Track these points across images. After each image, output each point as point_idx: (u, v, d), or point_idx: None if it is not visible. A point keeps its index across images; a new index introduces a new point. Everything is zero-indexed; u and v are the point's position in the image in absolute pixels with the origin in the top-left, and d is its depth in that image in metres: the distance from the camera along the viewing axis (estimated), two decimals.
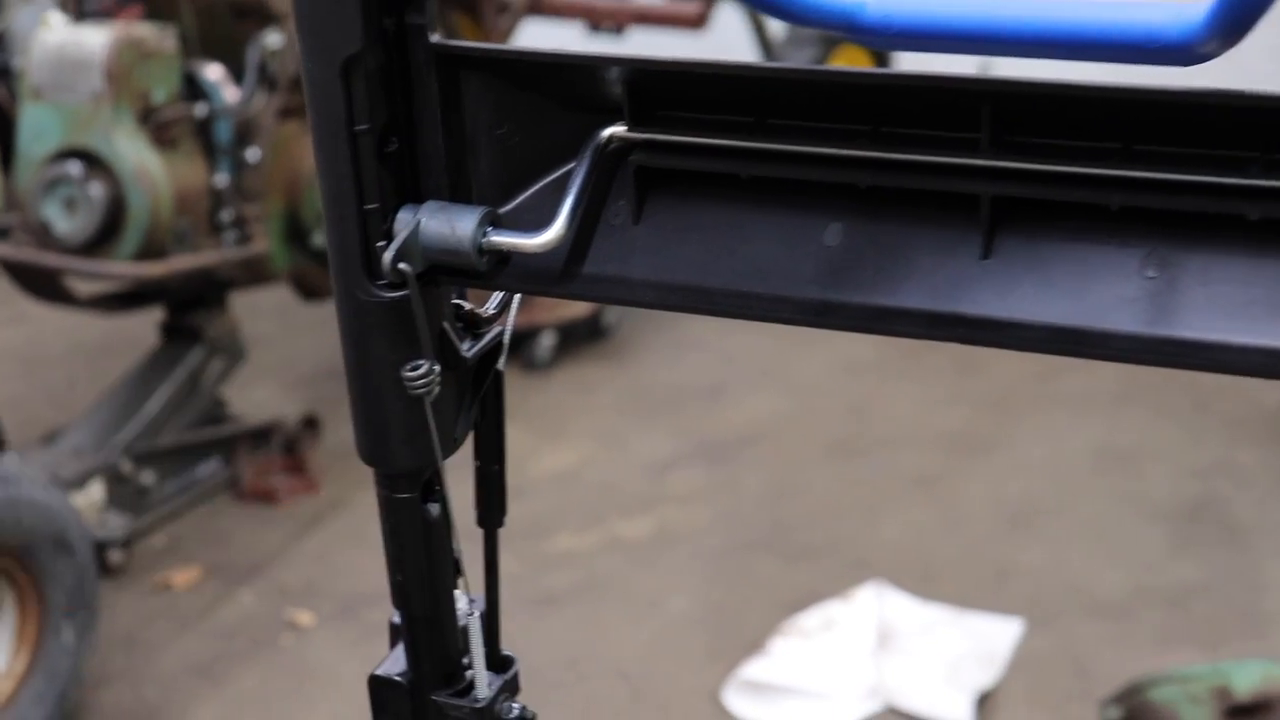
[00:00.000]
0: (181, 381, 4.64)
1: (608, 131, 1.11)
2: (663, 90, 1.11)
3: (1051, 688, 3.90)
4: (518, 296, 1.22)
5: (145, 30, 4.37)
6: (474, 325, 1.20)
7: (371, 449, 1.18)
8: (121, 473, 4.42)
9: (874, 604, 4.17)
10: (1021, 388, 5.28)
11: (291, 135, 4.62)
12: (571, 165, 1.12)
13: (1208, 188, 1.01)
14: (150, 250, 4.34)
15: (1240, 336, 1.01)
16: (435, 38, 1.10)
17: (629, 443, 4.94)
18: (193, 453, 4.66)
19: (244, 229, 4.54)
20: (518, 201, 1.15)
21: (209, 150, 4.50)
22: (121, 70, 4.28)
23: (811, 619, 4.12)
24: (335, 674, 4.00)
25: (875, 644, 4.03)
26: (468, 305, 1.19)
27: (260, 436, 4.76)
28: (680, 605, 4.21)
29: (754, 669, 3.96)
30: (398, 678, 1.28)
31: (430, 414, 1.14)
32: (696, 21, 6.22)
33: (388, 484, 1.20)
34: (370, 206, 1.09)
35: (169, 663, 4.05)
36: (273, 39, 4.55)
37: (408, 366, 1.11)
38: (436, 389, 1.13)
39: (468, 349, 1.18)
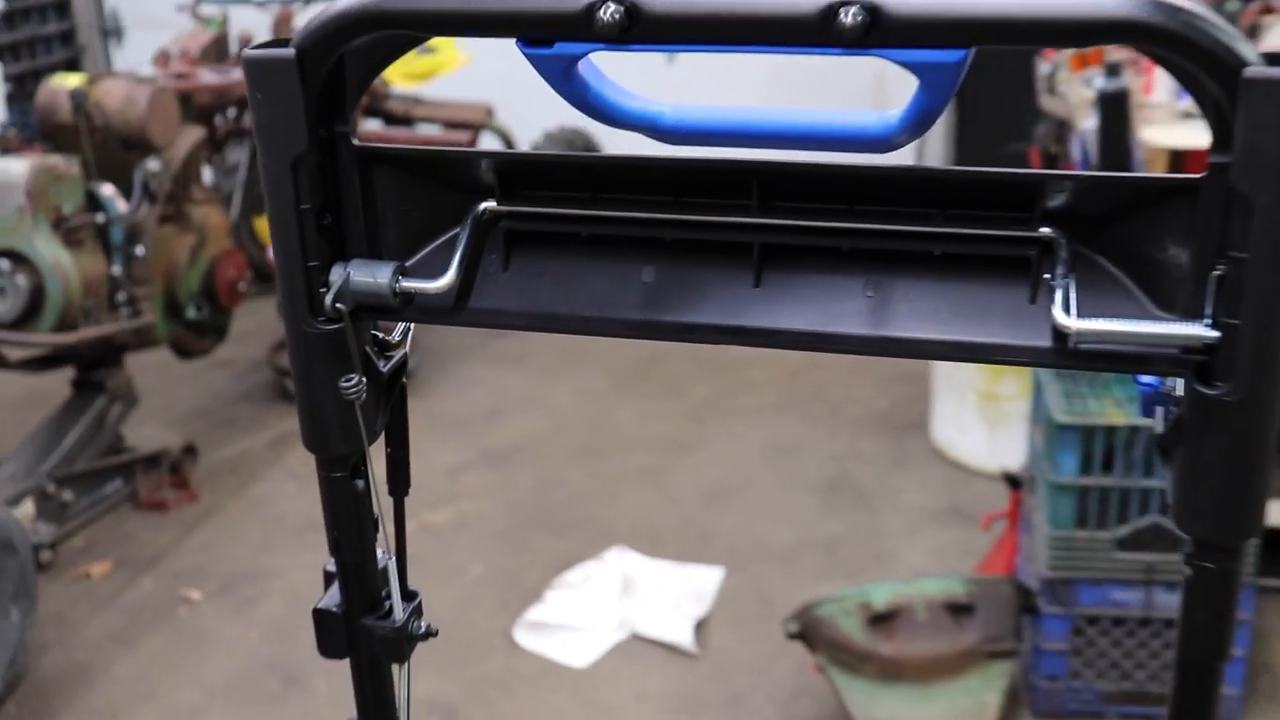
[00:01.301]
0: (90, 422, 4.51)
1: (483, 205, 1.12)
2: (522, 175, 1.12)
3: (746, 613, 3.95)
4: (414, 326, 1.22)
5: (55, 160, 4.27)
6: (385, 349, 1.19)
7: (314, 440, 1.17)
8: (47, 492, 4.28)
9: (618, 562, 4.18)
10: (711, 404, 5.33)
11: (168, 236, 4.56)
12: (457, 230, 1.12)
13: (906, 234, 1.05)
14: (64, 324, 4.23)
15: (931, 334, 1.05)
16: (355, 141, 1.10)
17: (430, 454, 4.91)
18: (100, 475, 4.51)
19: (135, 306, 4.45)
20: (418, 257, 1.14)
21: (106, 248, 4.39)
22: (39, 190, 4.16)
23: (574, 575, 4.13)
24: (221, 635, 3.91)
25: (620, 590, 4.04)
26: (380, 334, 1.19)
27: (152, 461, 4.64)
28: (477, 570, 4.18)
29: (534, 613, 3.95)
30: (335, 609, 1.25)
31: (359, 413, 1.13)
32: (482, 124, 6.19)
33: (326, 466, 1.18)
34: (312, 263, 1.08)
35: (91, 633, 3.93)
36: (153, 164, 4.45)
37: (342, 379, 1.11)
38: (363, 395, 1.12)
39: (383, 366, 1.18)
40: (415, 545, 4.63)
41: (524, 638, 3.86)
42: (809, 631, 3.32)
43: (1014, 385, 4.51)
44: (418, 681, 3.91)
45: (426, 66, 5.91)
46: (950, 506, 4.50)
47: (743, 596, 4.03)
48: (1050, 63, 4.85)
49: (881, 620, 3.30)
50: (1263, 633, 3.68)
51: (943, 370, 4.79)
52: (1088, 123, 4.06)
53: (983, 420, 4.66)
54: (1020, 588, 3.37)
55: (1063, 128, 4.85)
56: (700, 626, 3.87)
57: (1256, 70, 0.85)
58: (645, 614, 3.93)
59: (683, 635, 3.82)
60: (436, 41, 5.88)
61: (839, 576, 4.01)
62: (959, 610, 3.32)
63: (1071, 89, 4.57)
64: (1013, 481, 3.82)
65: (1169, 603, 3.33)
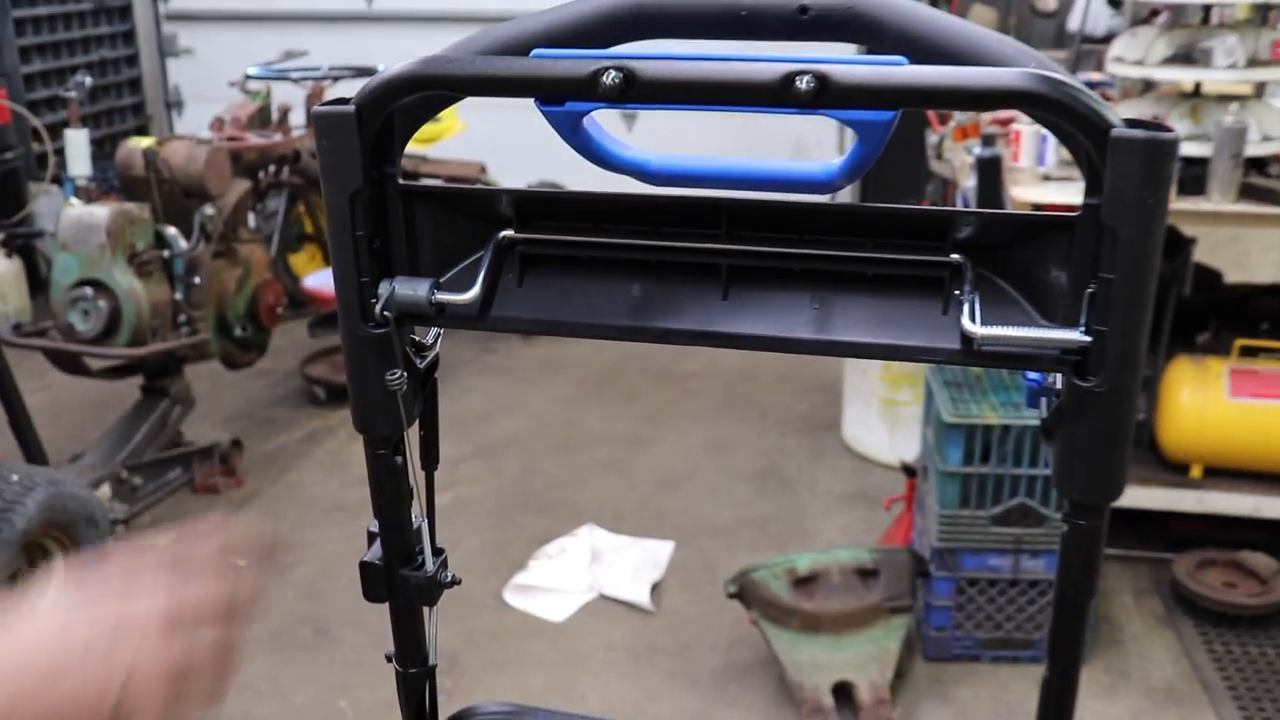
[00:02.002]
0: (155, 421, 4.47)
1: (503, 233, 1.12)
2: (535, 208, 1.12)
3: (693, 578, 3.95)
4: (443, 330, 1.22)
5: (130, 206, 4.24)
6: (420, 350, 1.19)
7: (364, 422, 1.16)
8: (121, 478, 4.23)
9: (588, 537, 4.16)
10: (663, 408, 5.32)
11: (220, 269, 4.53)
12: (481, 253, 1.13)
13: (845, 259, 1.06)
14: (136, 340, 4.19)
15: (864, 338, 1.06)
16: (400, 180, 1.11)
17: None
18: (164, 464, 4.46)
19: (193, 325, 4.41)
20: (450, 274, 1.14)
21: (170, 278, 4.35)
22: (117, 230, 4.13)
23: (552, 547, 4.11)
24: (264, 595, 3.87)
25: (590, 560, 4.02)
26: (416, 338, 1.19)
27: (205, 453, 4.58)
28: (473, 543, 4.16)
29: (519, 578, 3.94)
30: (377, 562, 1.24)
31: (400, 402, 1.14)
32: (476, 180, 6.13)
33: (372, 444, 1.18)
34: (365, 279, 1.08)
35: None
36: (208, 210, 4.42)
37: (388, 373, 1.11)
38: (404, 386, 1.13)
39: (419, 363, 1.18)
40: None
41: (511, 598, 3.85)
42: (745, 592, 3.33)
43: (910, 393, 4.54)
44: None
45: (431, 132, 5.88)
46: (858, 491, 4.51)
47: (690, 564, 4.03)
48: (938, 134, 4.89)
49: (804, 582, 3.31)
50: (1104, 592, 3.73)
51: (851, 381, 4.81)
52: (968, 182, 4.11)
53: (884, 421, 4.69)
54: (915, 556, 3.39)
55: (948, 186, 4.90)
56: (655, 589, 3.87)
57: (1121, 131, 0.88)
58: (610, 579, 3.93)
59: (641, 596, 3.82)
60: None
61: (769, 548, 4.00)
62: (866, 574, 3.34)
63: (955, 155, 4.61)
64: (909, 471, 3.85)
65: (1033, 567, 3.37)
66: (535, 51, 0.96)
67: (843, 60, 0.89)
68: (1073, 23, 6.17)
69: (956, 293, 1.02)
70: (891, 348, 1.04)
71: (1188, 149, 3.51)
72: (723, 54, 0.93)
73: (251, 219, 4.71)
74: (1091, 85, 4.42)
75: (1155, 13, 4.54)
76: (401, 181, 1.10)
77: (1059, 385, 1.02)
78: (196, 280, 4.39)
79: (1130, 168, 0.88)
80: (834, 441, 4.93)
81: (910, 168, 5.12)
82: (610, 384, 5.59)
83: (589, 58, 0.93)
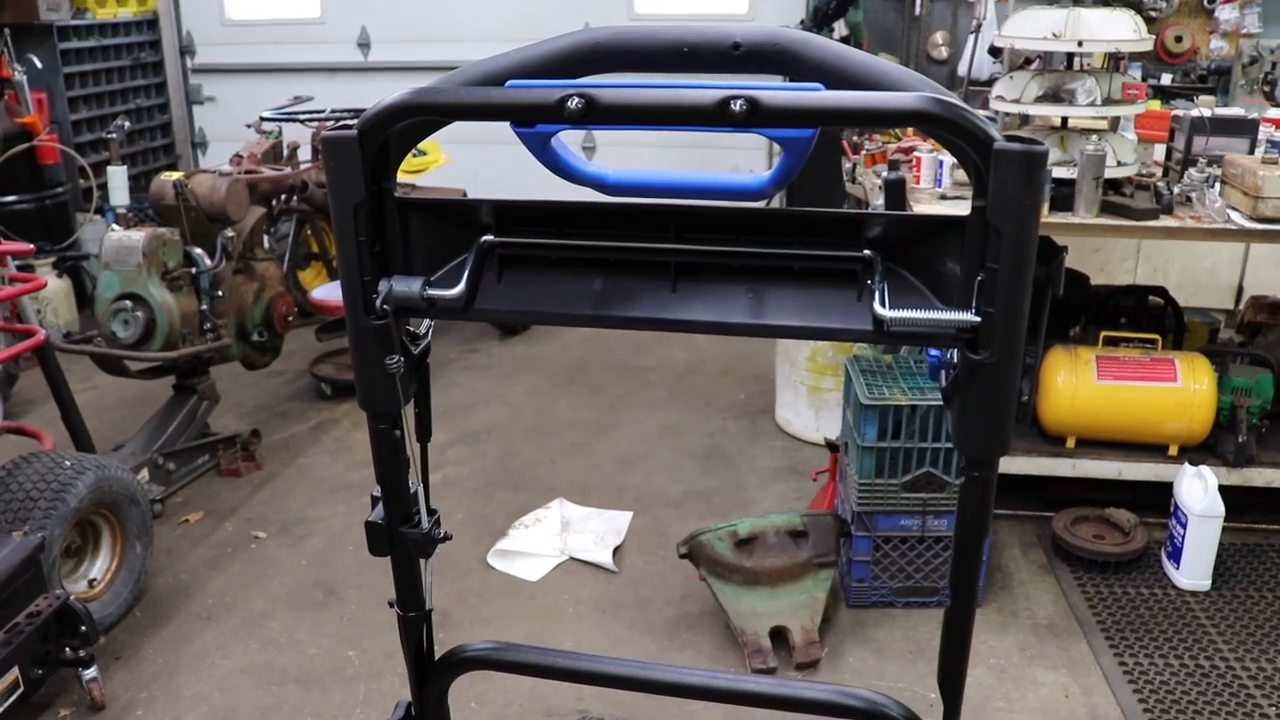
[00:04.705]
0: (186, 415, 4.41)
1: (484, 238, 1.13)
2: (511, 216, 1.12)
3: (649, 542, 3.94)
4: (433, 322, 1.21)
5: (163, 230, 4.18)
6: (414, 339, 1.19)
7: (367, 401, 1.17)
8: (157, 464, 4.18)
9: (559, 509, 4.14)
10: (622, 398, 5.31)
11: (239, 283, 4.47)
12: (466, 255, 1.13)
13: (774, 255, 1.08)
14: (169, 345, 4.14)
15: (792, 321, 1.07)
16: (397, 193, 1.10)
17: None
18: (194, 451, 4.41)
19: (217, 332, 4.35)
20: (439, 274, 1.14)
21: (198, 291, 4.28)
22: (152, 251, 4.07)
23: (528, 518, 4.08)
24: (281, 562, 3.83)
25: (560, 528, 4.01)
26: (410, 327, 1.19)
27: (229, 441, 4.53)
28: (460, 515, 4.12)
29: (501, 544, 3.91)
30: (380, 521, 1.25)
31: (398, 383, 1.14)
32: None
33: (374, 420, 1.18)
34: (367, 278, 1.09)
35: (190, 562, 3.83)
36: (229, 233, 4.37)
37: (387, 358, 1.11)
38: (401, 370, 1.12)
39: (414, 350, 1.18)
40: None
41: (494, 561, 3.82)
42: (694, 552, 3.33)
43: (832, 381, 4.56)
44: None
45: (419, 164, 5.85)
46: (789, 466, 4.52)
47: (647, 531, 4.01)
48: (852, 161, 4.92)
49: (744, 543, 3.31)
50: (995, 545, 3.77)
51: (782, 371, 4.82)
52: (878, 201, 4.13)
53: (810, 406, 4.70)
54: (839, 519, 3.40)
55: (861, 205, 4.92)
56: (617, 552, 3.85)
57: (1002, 144, 0.90)
58: (578, 544, 3.90)
59: (605, 558, 3.80)
60: (426, 145, 5.83)
61: (714, 515, 4.00)
62: (797, 535, 3.34)
63: (866, 179, 4.64)
64: (832, 447, 3.86)
65: (938, 526, 3.39)
66: (510, 82, 0.97)
67: (769, 87, 0.90)
68: (961, 68, 6.22)
69: (869, 283, 1.04)
70: (815, 329, 1.05)
71: (1057, 172, 3.56)
72: (669, 82, 0.94)
73: (266, 240, 4.65)
74: None
75: (1029, 61, 4.59)
76: (397, 195, 1.10)
77: (955, 359, 1.04)
78: (220, 293, 4.33)
79: (1009, 175, 0.90)
80: (768, 424, 4.93)
81: (830, 189, 5.14)
82: (577, 378, 5.58)
83: (555, 87, 0.93)
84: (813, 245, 1.06)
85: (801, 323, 1.06)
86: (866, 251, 1.04)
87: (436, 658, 1.33)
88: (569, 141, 1.02)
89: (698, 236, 1.08)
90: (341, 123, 1.02)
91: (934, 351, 1.06)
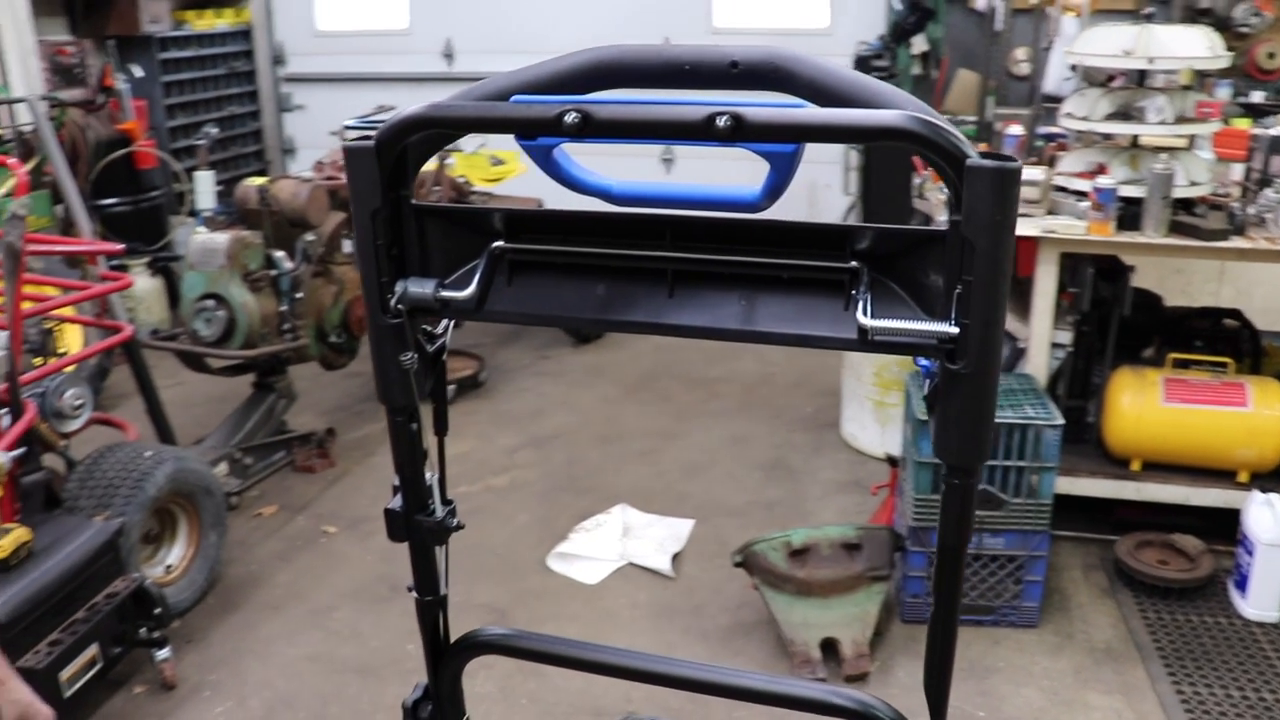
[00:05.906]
0: (264, 411, 4.57)
1: (495, 244, 1.17)
2: (521, 224, 1.17)
3: (708, 550, 3.97)
4: (451, 321, 1.26)
5: (246, 233, 4.34)
6: (431, 338, 1.24)
7: (385, 395, 1.22)
8: (235, 458, 4.33)
9: (620, 514, 4.19)
10: (690, 408, 5.34)
11: (318, 286, 4.59)
12: (478, 260, 1.18)
13: (765, 264, 1.11)
14: (249, 344, 4.29)
15: (781, 329, 1.10)
16: (414, 200, 1.16)
17: (493, 438, 4.92)
18: (270, 447, 4.56)
19: (295, 333, 4.48)
20: (453, 277, 1.19)
21: (278, 293, 4.44)
22: (235, 253, 4.24)
23: (589, 523, 4.14)
24: (349, 557, 3.95)
25: (621, 533, 4.05)
26: (428, 328, 1.24)
27: (304, 438, 4.67)
28: (524, 519, 4.21)
29: (561, 547, 3.97)
30: (398, 509, 1.30)
31: (413, 379, 1.19)
32: None
33: (392, 413, 1.23)
34: (384, 280, 1.14)
35: (262, 553, 3.98)
36: (310, 237, 4.51)
37: (403, 355, 1.17)
38: (414, 366, 1.18)
39: (429, 348, 1.23)
40: (481, 500, 4.60)
41: (554, 564, 3.88)
42: (748, 561, 3.35)
43: (897, 396, 4.54)
44: (480, 592, 3.91)
45: (496, 173, 5.96)
46: (852, 480, 4.50)
47: (706, 539, 4.03)
48: (921, 177, 4.90)
49: (798, 554, 3.33)
50: (1055, 566, 3.72)
51: (849, 386, 4.81)
52: (943, 217, 4.10)
53: (875, 420, 4.69)
54: (894, 533, 3.40)
55: (927, 221, 4.89)
56: (676, 559, 3.88)
57: (975, 161, 0.93)
58: (638, 550, 3.94)
59: (663, 564, 3.83)
60: (504, 155, 5.94)
61: (775, 526, 3.99)
62: (851, 548, 3.34)
63: (933, 194, 4.62)
64: (892, 461, 3.85)
65: (994, 544, 3.36)
66: (514, 98, 1.02)
67: (754, 104, 0.94)
68: (1046, 86, 6.14)
69: (854, 293, 1.06)
70: (802, 337, 1.08)
71: (1123, 191, 3.50)
72: (665, 99, 0.98)
73: (345, 245, 4.79)
74: (1049, 137, 4.41)
75: (1111, 78, 4.52)
76: (414, 201, 1.16)
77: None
78: (299, 295, 4.48)
79: (982, 191, 0.93)
80: (834, 437, 4.92)
81: (901, 203, 5.12)
82: (647, 387, 5.62)
83: (555, 102, 0.98)
84: (802, 255, 1.09)
85: (790, 330, 1.09)
86: (853, 263, 1.07)
87: (451, 641, 1.39)
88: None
89: (694, 245, 1.11)
90: (362, 134, 1.08)
91: (923, 362, 1.08)
